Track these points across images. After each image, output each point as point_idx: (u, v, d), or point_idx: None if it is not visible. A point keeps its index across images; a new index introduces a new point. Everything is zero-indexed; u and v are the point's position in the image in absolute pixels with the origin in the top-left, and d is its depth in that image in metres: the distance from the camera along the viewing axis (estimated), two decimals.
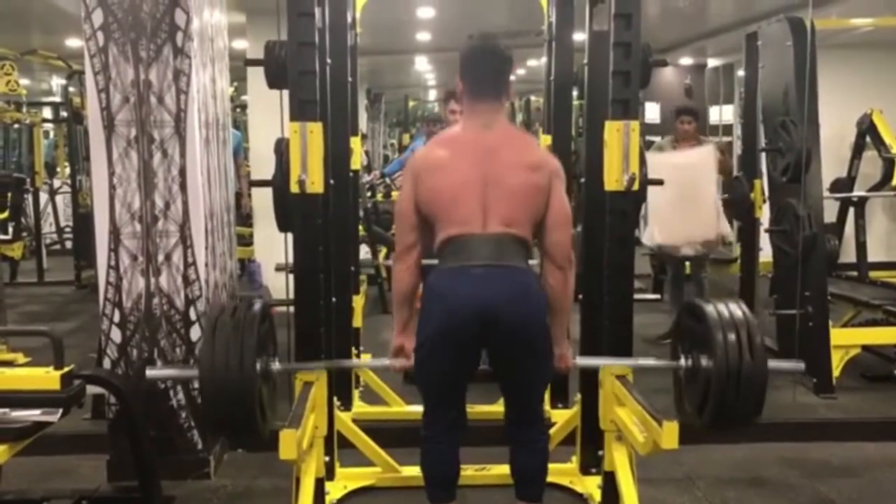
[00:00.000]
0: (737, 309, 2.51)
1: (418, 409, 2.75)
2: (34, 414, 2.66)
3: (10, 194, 8.60)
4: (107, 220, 3.53)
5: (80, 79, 7.43)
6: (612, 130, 2.89)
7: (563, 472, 3.44)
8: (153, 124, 3.50)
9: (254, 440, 2.56)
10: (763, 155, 5.44)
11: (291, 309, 2.98)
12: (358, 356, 4.65)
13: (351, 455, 3.56)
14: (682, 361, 2.67)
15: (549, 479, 2.84)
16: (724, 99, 10.79)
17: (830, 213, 6.53)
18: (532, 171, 2.61)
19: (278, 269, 3.77)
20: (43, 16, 7.80)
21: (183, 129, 3.51)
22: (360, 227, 6.09)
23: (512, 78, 2.74)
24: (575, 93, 4.08)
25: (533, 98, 14.77)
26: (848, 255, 6.72)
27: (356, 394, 4.39)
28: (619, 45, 2.90)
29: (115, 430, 3.56)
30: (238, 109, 9.86)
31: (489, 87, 2.66)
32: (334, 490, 3.42)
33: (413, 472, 3.12)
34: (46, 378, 2.54)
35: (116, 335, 3.57)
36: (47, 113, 11.39)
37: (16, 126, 10.42)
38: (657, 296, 6.79)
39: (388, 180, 9.06)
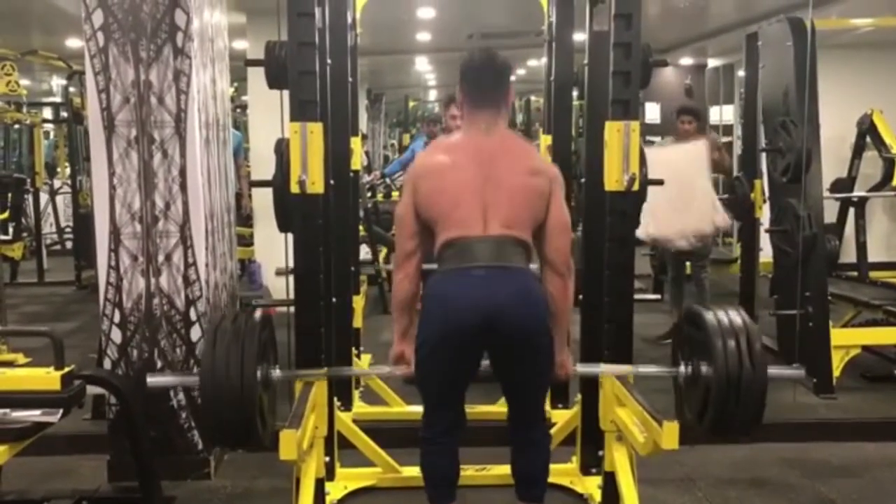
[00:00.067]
0: (737, 316, 2.50)
1: (419, 409, 2.75)
2: (34, 414, 2.66)
3: (10, 195, 8.63)
4: (107, 220, 3.53)
5: (81, 79, 7.43)
6: (613, 131, 2.89)
7: (563, 472, 3.44)
8: (153, 125, 3.50)
9: (254, 447, 2.55)
10: (763, 155, 5.44)
11: (292, 309, 2.98)
12: (358, 357, 4.66)
13: (351, 455, 3.56)
14: (682, 368, 2.67)
15: (550, 479, 2.83)
16: (725, 99, 10.79)
17: (831, 214, 6.53)
18: (532, 175, 2.63)
19: (279, 273, 3.77)
20: (43, 16, 7.80)
21: (183, 130, 3.51)
22: (361, 228, 6.09)
23: (511, 87, 2.77)
24: (575, 93, 4.07)
25: (533, 98, 14.78)
26: (848, 255, 6.72)
27: (356, 394, 4.39)
28: (619, 46, 2.90)
29: (115, 430, 3.56)
30: (238, 110, 9.85)
31: (489, 96, 2.68)
32: (334, 490, 3.42)
33: (413, 472, 3.12)
34: (47, 378, 2.54)
35: (117, 335, 3.58)
36: (48, 113, 11.39)
37: (16, 126, 10.42)
38: (657, 296, 6.78)
39: (388, 180, 9.07)
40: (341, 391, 3.84)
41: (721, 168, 5.70)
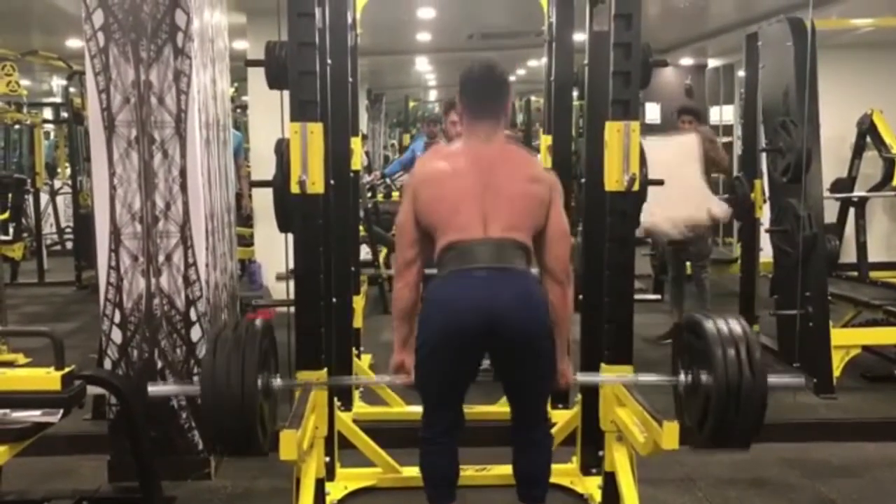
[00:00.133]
0: (736, 325, 2.50)
1: (419, 409, 2.75)
2: (35, 414, 2.66)
3: (10, 195, 8.63)
4: (107, 220, 3.53)
5: (81, 79, 7.43)
6: (613, 131, 2.89)
7: (563, 472, 3.44)
8: (154, 125, 3.50)
9: (255, 455, 2.55)
10: (763, 155, 5.44)
11: (292, 309, 2.98)
12: (358, 357, 4.66)
13: (351, 455, 3.57)
14: (682, 377, 2.66)
15: (550, 479, 2.83)
16: (725, 99, 10.79)
17: (831, 214, 6.53)
18: (532, 182, 2.65)
19: (279, 278, 3.81)
20: (43, 16, 7.80)
21: (183, 130, 3.51)
22: (361, 228, 6.09)
23: (510, 97, 2.80)
24: (575, 93, 4.08)
25: (533, 98, 14.78)
26: (848, 255, 6.72)
27: (356, 394, 4.39)
28: (619, 46, 2.90)
29: (115, 430, 3.56)
30: (238, 110, 9.85)
31: (488, 107, 2.70)
32: (335, 491, 3.42)
33: (413, 472, 3.12)
34: (47, 379, 2.54)
35: (117, 336, 3.58)
36: (48, 114, 11.40)
37: (16, 127, 10.42)
38: (658, 296, 6.79)
39: (388, 181, 9.07)
40: (341, 391, 3.84)
41: (716, 162, 5.61)
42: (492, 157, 2.65)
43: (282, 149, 3.02)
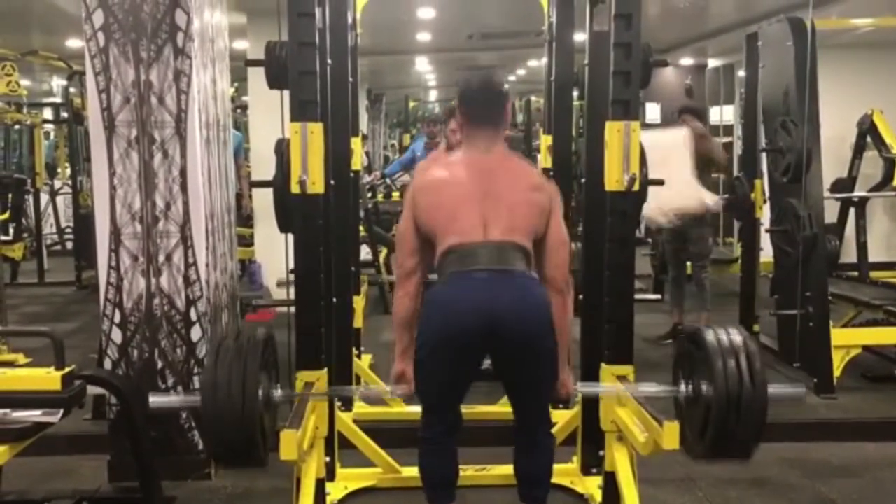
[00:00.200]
0: (737, 335, 2.50)
1: (418, 409, 2.75)
2: (35, 414, 2.66)
3: (10, 195, 8.63)
4: (107, 220, 3.53)
5: (81, 79, 7.43)
6: (613, 131, 2.89)
7: (564, 472, 3.44)
8: (154, 125, 3.50)
9: (255, 466, 2.54)
10: (764, 155, 5.44)
11: (292, 309, 2.98)
12: (359, 357, 4.66)
13: (351, 456, 3.57)
14: (683, 388, 2.66)
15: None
16: (725, 99, 10.79)
17: (831, 214, 6.52)
18: (532, 190, 2.67)
19: (280, 284, 3.82)
20: (43, 16, 7.80)
21: (184, 130, 3.51)
22: (361, 228, 6.09)
23: (508, 108, 2.82)
24: (575, 93, 4.08)
25: (533, 98, 14.77)
26: (848, 255, 6.72)
27: None
28: (619, 46, 2.90)
29: (115, 430, 3.56)
30: (239, 110, 9.85)
31: (487, 118, 2.72)
32: (335, 491, 3.42)
33: (413, 472, 3.11)
34: (47, 378, 2.54)
35: (117, 336, 3.58)
36: (48, 114, 11.40)
37: (16, 127, 10.42)
38: (658, 296, 6.79)
39: (388, 181, 9.07)
40: None
41: (709, 157, 5.58)
42: (491, 166, 2.67)
43: (282, 149, 3.02)
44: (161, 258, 3.55)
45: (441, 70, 14.26)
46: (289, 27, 2.83)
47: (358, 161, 4.58)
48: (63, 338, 2.59)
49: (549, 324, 2.55)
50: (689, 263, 5.86)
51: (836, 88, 6.28)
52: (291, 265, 3.01)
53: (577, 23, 3.89)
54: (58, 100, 11.88)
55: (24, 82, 9.19)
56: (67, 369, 2.57)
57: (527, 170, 2.79)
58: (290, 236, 3.05)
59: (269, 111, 3.36)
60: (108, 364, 3.58)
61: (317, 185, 2.84)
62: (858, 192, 7.07)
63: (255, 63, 3.49)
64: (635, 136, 2.89)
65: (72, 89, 8.57)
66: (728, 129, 10.52)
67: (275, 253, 3.78)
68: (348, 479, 3.52)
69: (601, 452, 3.13)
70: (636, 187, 2.91)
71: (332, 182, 3.35)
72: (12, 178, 8.99)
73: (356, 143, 4.43)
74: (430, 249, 2.65)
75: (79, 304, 7.46)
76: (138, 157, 3.51)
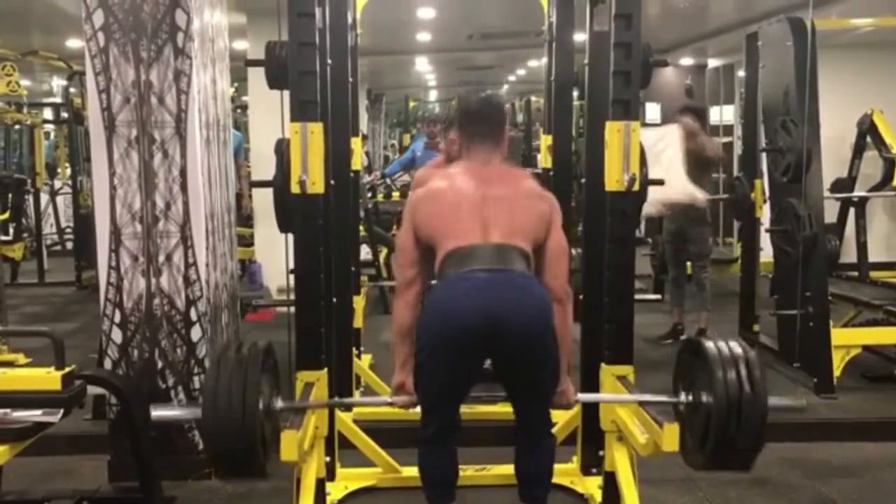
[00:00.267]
0: (737, 345, 2.51)
1: (418, 409, 2.75)
2: (35, 414, 2.66)
3: (10, 195, 8.63)
4: (107, 220, 3.54)
5: (81, 79, 7.43)
6: (613, 131, 2.89)
7: (564, 472, 3.44)
8: (154, 125, 3.51)
9: (256, 478, 2.54)
10: (764, 155, 5.44)
11: (292, 309, 2.98)
12: (359, 357, 4.66)
13: (352, 455, 3.57)
14: (683, 397, 2.67)
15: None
16: (725, 99, 10.79)
17: (831, 214, 6.53)
18: (531, 197, 2.70)
19: (280, 291, 3.84)
20: (43, 16, 7.80)
21: (184, 130, 3.51)
22: (361, 228, 6.09)
23: (507, 126, 2.88)
24: (575, 93, 4.08)
25: (533, 98, 14.77)
26: (848, 255, 6.72)
27: (357, 394, 4.39)
28: (619, 46, 2.90)
29: (115, 430, 3.56)
30: (239, 110, 9.85)
31: (487, 136, 2.76)
32: (335, 490, 3.43)
33: (413, 472, 3.11)
34: (47, 378, 2.54)
35: (117, 335, 3.58)
36: (48, 114, 11.39)
37: (17, 127, 10.42)
38: (658, 296, 6.78)
39: (388, 181, 9.07)
40: (342, 391, 3.84)
41: (704, 156, 5.58)
42: (490, 174, 2.71)
43: (282, 149, 3.02)
44: (161, 258, 3.55)
45: (441, 70, 14.26)
46: (289, 27, 2.83)
47: (358, 161, 4.58)
48: (63, 338, 2.59)
49: (550, 323, 2.54)
50: (689, 263, 5.86)
51: (836, 88, 6.28)
52: (291, 265, 3.01)
53: (577, 23, 3.89)
54: (58, 100, 11.88)
55: (24, 82, 9.18)
56: (67, 369, 2.57)
57: (526, 179, 2.82)
58: (290, 236, 3.05)
59: (269, 111, 3.36)
60: (108, 364, 3.59)
61: (317, 185, 2.84)
62: (858, 192, 7.07)
63: (255, 63, 3.49)
64: (635, 136, 2.89)
65: (72, 89, 8.57)
66: (728, 129, 10.51)
67: (275, 253, 3.78)
68: (348, 479, 3.52)
69: (601, 452, 3.14)
70: (636, 187, 2.91)
71: (332, 182, 3.35)
72: (12, 178, 8.99)
73: (356, 143, 4.43)
74: (431, 259, 2.66)
75: (79, 304, 7.46)
76: (138, 157, 3.51)
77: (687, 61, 10.65)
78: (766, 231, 5.30)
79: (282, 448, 2.48)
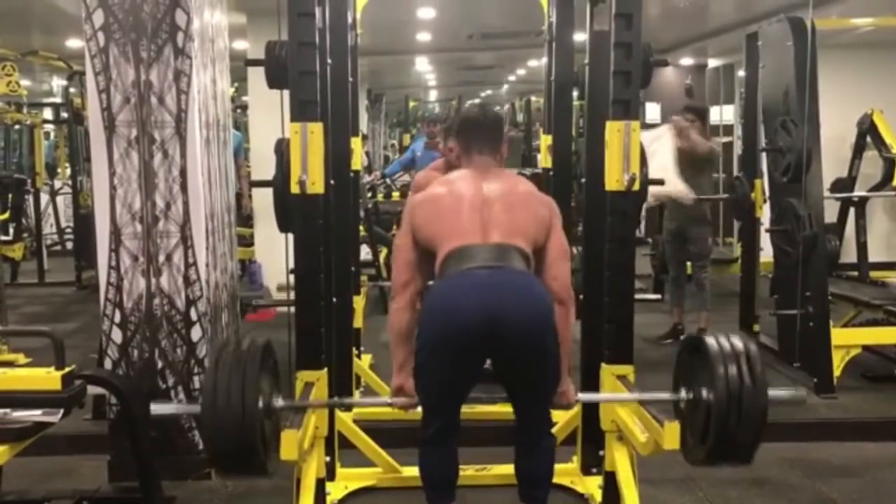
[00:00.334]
0: (737, 341, 2.51)
1: (419, 409, 2.75)
2: (35, 414, 2.66)
3: (10, 195, 8.62)
4: (107, 220, 3.53)
5: (81, 79, 7.43)
6: (613, 130, 2.89)
7: (564, 472, 3.44)
8: (154, 125, 3.50)
9: (258, 476, 2.54)
10: (764, 155, 5.44)
11: (292, 309, 2.98)
12: (359, 357, 4.66)
13: (352, 455, 3.57)
14: (683, 393, 2.67)
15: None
16: (725, 99, 10.79)
17: (831, 213, 6.53)
18: (531, 199, 2.73)
19: (280, 289, 3.84)
20: (43, 16, 7.80)
21: (184, 130, 3.51)
22: (361, 228, 6.09)
23: (505, 138, 2.93)
24: (575, 93, 4.08)
25: (533, 98, 14.78)
26: (848, 255, 6.72)
27: (357, 394, 4.39)
28: (619, 46, 2.90)
29: (115, 430, 3.56)
30: (238, 110, 9.85)
31: (485, 145, 2.80)
32: (335, 490, 3.42)
33: (413, 472, 3.12)
34: (47, 378, 2.54)
35: (117, 335, 3.58)
36: (48, 114, 11.39)
37: (16, 127, 10.42)
38: (658, 296, 6.79)
39: (388, 181, 9.07)
40: (342, 391, 3.84)
41: (695, 155, 5.55)
42: (490, 179, 2.73)
43: (282, 149, 3.02)
44: (161, 258, 3.55)
45: (441, 70, 14.27)
46: (289, 27, 2.83)
47: (358, 161, 4.57)
48: (63, 338, 2.60)
49: (551, 321, 2.54)
50: (689, 263, 5.86)
51: (836, 88, 6.28)
52: (291, 265, 3.01)
53: (577, 23, 3.89)
54: (58, 100, 11.88)
55: (24, 82, 9.18)
56: (67, 369, 2.57)
57: (525, 183, 2.85)
58: (290, 236, 3.05)
59: (269, 111, 3.36)
60: (108, 364, 3.59)
61: (317, 185, 2.84)
62: (858, 192, 7.07)
63: (255, 63, 3.49)
64: (635, 135, 2.89)
65: (72, 89, 8.57)
66: (728, 129, 10.51)
67: (275, 253, 3.78)
68: (348, 479, 3.52)
69: (601, 452, 3.14)
70: (636, 187, 2.91)
71: (332, 182, 3.35)
72: (12, 178, 8.98)
73: (356, 143, 4.43)
74: (429, 262, 2.67)
75: (79, 304, 7.45)
76: (138, 157, 3.51)
77: (687, 61, 10.66)
78: (766, 231, 5.30)
79: (282, 447, 2.48)
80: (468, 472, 3.31)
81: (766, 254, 5.65)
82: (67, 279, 8.11)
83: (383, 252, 7.21)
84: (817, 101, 4.85)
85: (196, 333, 3.58)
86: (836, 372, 4.67)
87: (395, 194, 8.48)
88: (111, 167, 3.51)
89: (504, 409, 2.86)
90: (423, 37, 9.80)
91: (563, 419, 3.60)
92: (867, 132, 6.89)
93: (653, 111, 10.19)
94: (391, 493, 3.48)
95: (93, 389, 2.80)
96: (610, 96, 2.93)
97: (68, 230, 9.89)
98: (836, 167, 6.89)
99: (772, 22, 5.32)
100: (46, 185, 9.51)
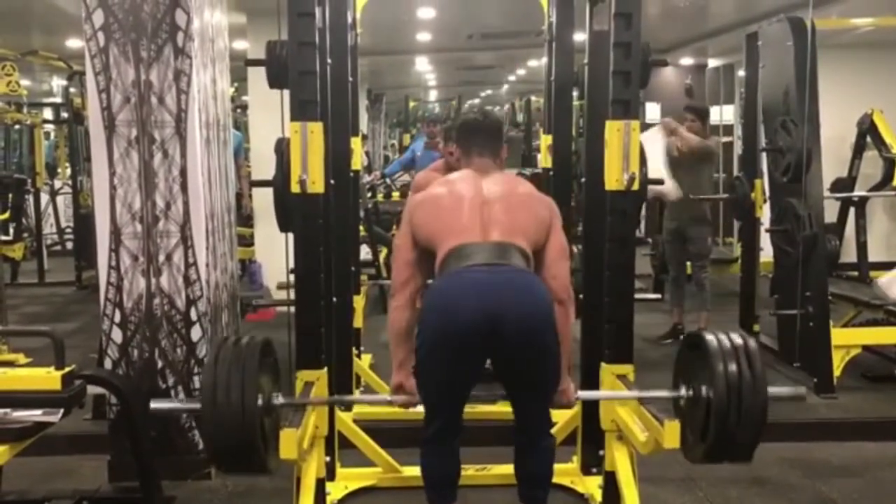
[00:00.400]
0: (737, 337, 2.51)
1: (419, 409, 2.75)
2: (35, 414, 2.66)
3: (11, 195, 8.62)
4: (108, 220, 3.53)
5: (81, 79, 7.43)
6: (613, 130, 2.89)
7: (564, 471, 3.44)
8: (154, 125, 3.50)
9: (259, 473, 2.53)
10: (764, 155, 5.44)
11: (292, 309, 2.98)
12: (359, 356, 4.66)
13: (352, 455, 3.57)
14: (683, 391, 2.67)
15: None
16: (725, 99, 10.78)
17: (831, 213, 6.54)
18: (531, 199, 2.74)
19: (280, 287, 3.83)
20: (43, 16, 7.81)
21: (184, 130, 3.51)
22: (361, 228, 6.09)
23: (504, 143, 2.95)
24: (575, 93, 4.08)
25: (533, 98, 14.78)
26: (848, 255, 6.73)
27: (357, 394, 4.39)
28: (619, 45, 2.90)
29: (115, 430, 3.56)
30: (239, 110, 9.85)
31: (485, 148, 2.83)
32: (335, 490, 3.42)
33: (414, 472, 3.12)
34: (47, 378, 2.54)
35: (117, 335, 3.58)
36: (48, 114, 11.39)
37: (17, 127, 10.42)
38: (658, 296, 6.78)
39: (388, 181, 9.07)
40: (342, 391, 3.84)
41: (687, 153, 5.56)
42: (489, 179, 2.74)
43: (282, 148, 3.03)
44: (161, 258, 3.55)
45: (441, 70, 14.27)
46: (289, 27, 2.83)
47: (358, 161, 4.57)
48: (63, 338, 2.60)
49: (551, 319, 2.54)
50: (689, 263, 5.86)
51: (836, 88, 6.29)
52: (291, 265, 3.01)
53: (577, 22, 3.89)
54: (58, 100, 11.88)
55: (24, 82, 9.18)
56: (67, 369, 2.57)
57: (525, 184, 2.86)
58: (290, 236, 3.05)
59: (269, 111, 3.36)
60: (108, 364, 3.58)
61: (317, 185, 2.84)
62: (858, 192, 7.08)
63: (255, 63, 3.50)
64: (635, 135, 2.89)
65: (72, 89, 8.57)
66: (728, 129, 10.52)
67: (275, 253, 3.78)
68: (348, 479, 3.52)
69: (601, 452, 3.14)
70: (636, 186, 2.91)
71: (332, 182, 3.35)
72: (12, 178, 8.98)
73: (356, 143, 4.43)
74: (428, 262, 2.67)
75: (79, 304, 7.45)
76: (138, 157, 3.51)
77: (687, 61, 10.66)
78: (766, 231, 5.30)
79: (281, 446, 2.48)
80: (468, 472, 3.31)
81: (766, 254, 5.65)
82: (67, 279, 8.11)
83: (383, 252, 7.21)
84: (817, 101, 4.85)
85: (196, 333, 3.58)
86: (836, 372, 4.67)
87: (395, 194, 8.48)
88: (111, 167, 3.51)
89: (504, 409, 2.86)
90: (423, 37, 9.80)
91: (562, 419, 3.60)
92: (867, 132, 6.90)
93: (653, 111, 10.19)
94: (391, 493, 3.48)
95: (93, 389, 2.81)
96: (610, 96, 2.93)
97: (68, 230, 9.89)
98: (836, 167, 6.90)
99: (772, 22, 5.32)
100: (46, 184, 9.51)
